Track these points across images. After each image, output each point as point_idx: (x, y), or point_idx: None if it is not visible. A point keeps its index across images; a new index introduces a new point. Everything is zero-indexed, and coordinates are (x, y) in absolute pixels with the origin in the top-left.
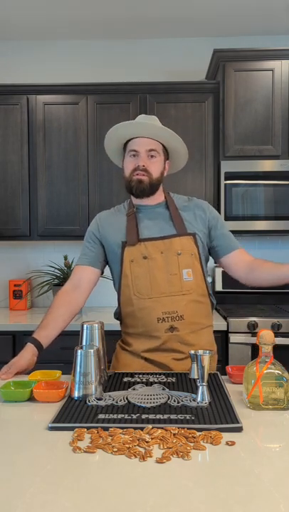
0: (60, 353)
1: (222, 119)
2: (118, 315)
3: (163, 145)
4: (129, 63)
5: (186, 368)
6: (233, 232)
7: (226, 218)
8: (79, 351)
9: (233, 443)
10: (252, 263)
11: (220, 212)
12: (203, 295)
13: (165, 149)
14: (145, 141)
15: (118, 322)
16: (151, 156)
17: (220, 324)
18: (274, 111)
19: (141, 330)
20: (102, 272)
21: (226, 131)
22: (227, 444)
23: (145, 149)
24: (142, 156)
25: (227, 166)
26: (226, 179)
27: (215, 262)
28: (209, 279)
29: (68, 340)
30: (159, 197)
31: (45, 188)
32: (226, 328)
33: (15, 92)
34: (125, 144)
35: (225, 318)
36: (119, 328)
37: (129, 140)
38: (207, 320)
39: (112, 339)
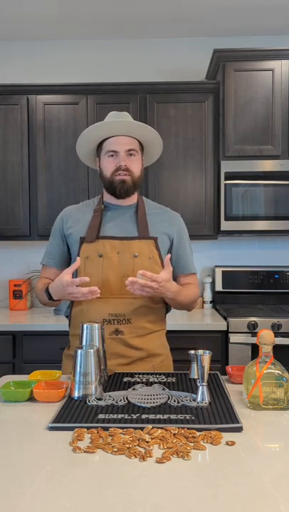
0: (60, 353)
1: (222, 119)
2: (68, 313)
3: (138, 141)
4: (129, 63)
5: None
6: (233, 232)
7: (226, 218)
8: (79, 351)
9: (233, 443)
10: None
11: (220, 213)
12: (157, 301)
13: (140, 145)
14: (123, 141)
15: None
16: (130, 155)
17: (220, 324)
18: (274, 111)
19: None
20: None
21: (226, 131)
22: (227, 444)
23: (125, 149)
24: (121, 155)
25: (227, 166)
26: (226, 179)
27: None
28: (209, 279)
29: (68, 340)
30: (132, 198)
31: (45, 188)
32: (225, 328)
33: (15, 92)
34: (99, 145)
35: (225, 318)
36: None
37: (103, 140)
38: (157, 325)
39: None
